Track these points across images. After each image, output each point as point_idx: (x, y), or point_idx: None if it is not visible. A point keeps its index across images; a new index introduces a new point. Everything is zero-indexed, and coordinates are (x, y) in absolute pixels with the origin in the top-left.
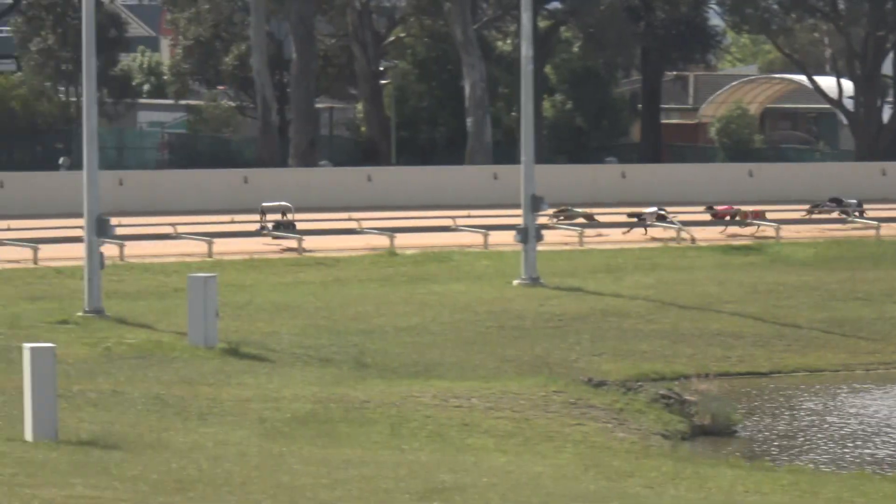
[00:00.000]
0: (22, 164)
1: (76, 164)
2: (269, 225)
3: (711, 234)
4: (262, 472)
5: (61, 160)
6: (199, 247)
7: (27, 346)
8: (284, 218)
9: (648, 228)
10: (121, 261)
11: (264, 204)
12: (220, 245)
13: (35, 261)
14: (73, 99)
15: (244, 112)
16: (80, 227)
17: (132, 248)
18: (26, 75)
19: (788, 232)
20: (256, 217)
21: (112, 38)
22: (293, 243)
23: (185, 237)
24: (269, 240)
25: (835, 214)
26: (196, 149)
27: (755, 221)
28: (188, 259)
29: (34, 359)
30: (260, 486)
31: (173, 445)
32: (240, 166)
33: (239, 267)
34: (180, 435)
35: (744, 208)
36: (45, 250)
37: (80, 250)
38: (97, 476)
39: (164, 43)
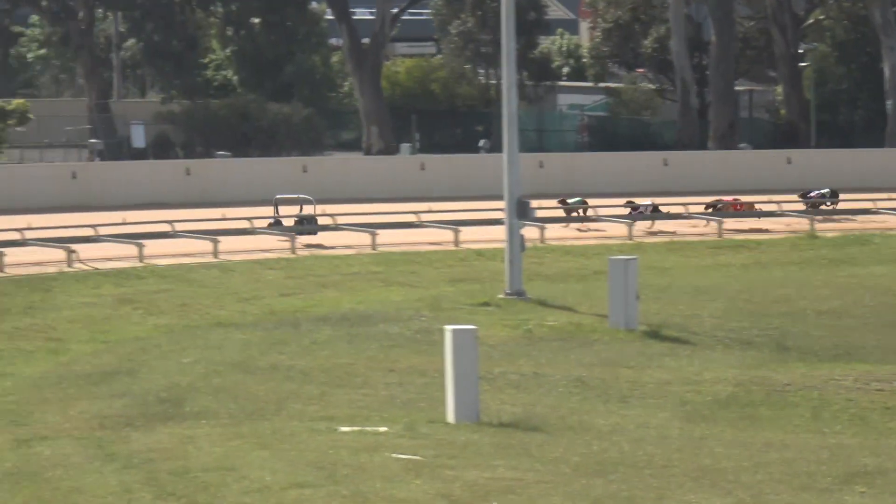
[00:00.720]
0: (442, 145)
1: (496, 147)
2: (282, 220)
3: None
4: (683, 454)
5: (481, 142)
6: (619, 229)
7: (449, 328)
8: (303, 212)
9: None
10: (541, 243)
11: (278, 196)
12: (640, 227)
13: (456, 243)
14: (493, 81)
15: (663, 95)
16: (500, 210)
17: (552, 230)
18: (446, 58)
19: None
20: (675, 200)
21: (531, 21)
22: (313, 239)
23: (605, 220)
24: (276, 237)
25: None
26: (615, 131)
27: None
28: (608, 241)
29: (456, 341)
30: (681, 469)
31: (594, 428)
32: (659, 149)
33: (659, 249)
34: (601, 417)
35: (744, 199)
36: (466, 232)
37: (500, 232)
38: (518, 458)
39: (583, 26)
